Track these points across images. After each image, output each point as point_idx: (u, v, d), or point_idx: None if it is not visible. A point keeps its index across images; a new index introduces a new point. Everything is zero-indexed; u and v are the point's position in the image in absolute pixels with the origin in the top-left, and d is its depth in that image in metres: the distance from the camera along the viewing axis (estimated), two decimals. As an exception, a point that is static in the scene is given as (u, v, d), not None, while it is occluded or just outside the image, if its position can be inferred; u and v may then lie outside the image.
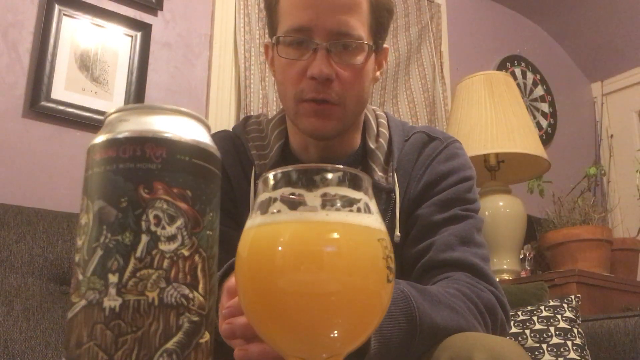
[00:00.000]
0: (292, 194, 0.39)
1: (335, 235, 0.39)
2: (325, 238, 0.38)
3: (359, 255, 0.39)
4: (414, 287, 0.77)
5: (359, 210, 0.40)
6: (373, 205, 0.42)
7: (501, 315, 0.88)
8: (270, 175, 0.41)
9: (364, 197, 0.41)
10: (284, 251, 0.38)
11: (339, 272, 0.38)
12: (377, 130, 1.04)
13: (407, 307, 0.72)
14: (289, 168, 0.40)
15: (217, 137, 1.08)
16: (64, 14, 1.87)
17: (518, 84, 3.15)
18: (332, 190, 0.40)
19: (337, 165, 0.41)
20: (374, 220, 0.41)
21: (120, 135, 0.36)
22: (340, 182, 0.40)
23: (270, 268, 0.38)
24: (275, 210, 0.40)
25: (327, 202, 0.39)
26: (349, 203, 0.40)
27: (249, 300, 0.41)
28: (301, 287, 0.38)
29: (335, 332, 0.39)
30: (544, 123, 3.34)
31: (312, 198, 0.39)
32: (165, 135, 0.36)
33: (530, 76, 3.34)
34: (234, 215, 0.99)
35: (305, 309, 0.38)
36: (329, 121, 0.94)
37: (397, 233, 0.96)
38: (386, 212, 0.97)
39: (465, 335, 0.74)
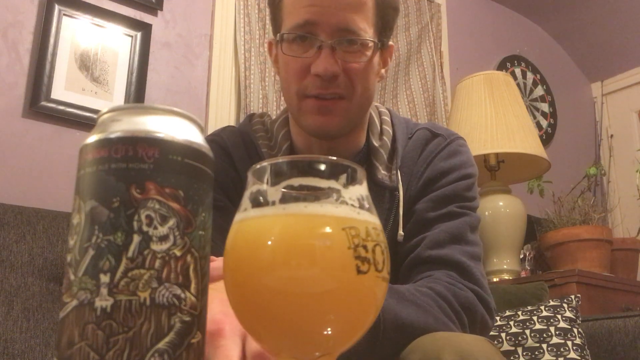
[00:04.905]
0: (258, 190, 0.39)
1: (286, 227, 0.37)
2: (273, 232, 0.38)
3: (313, 246, 0.37)
4: None
5: (327, 200, 0.38)
6: (351, 192, 0.39)
7: (481, 312, 0.86)
8: (247, 175, 0.41)
9: (335, 185, 0.39)
10: (239, 251, 0.39)
11: (287, 267, 0.37)
12: (381, 128, 1.02)
13: None
14: (257, 165, 0.40)
15: (227, 132, 1.06)
16: (64, 14, 1.87)
17: (518, 84, 3.15)
18: (296, 181, 0.39)
19: (306, 155, 0.40)
20: (342, 210, 0.38)
21: (112, 135, 0.36)
22: (306, 173, 0.39)
23: (233, 267, 0.39)
24: (243, 209, 0.40)
25: (287, 195, 0.38)
26: (314, 193, 0.38)
27: (230, 296, 0.41)
28: (259, 284, 0.37)
29: (319, 329, 0.38)
30: (544, 123, 3.33)
31: (273, 192, 0.38)
32: (158, 135, 0.36)
33: (530, 76, 3.34)
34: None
35: (255, 306, 0.38)
36: (333, 118, 0.92)
37: (401, 232, 0.94)
38: (390, 211, 0.96)
39: (434, 336, 0.72)
